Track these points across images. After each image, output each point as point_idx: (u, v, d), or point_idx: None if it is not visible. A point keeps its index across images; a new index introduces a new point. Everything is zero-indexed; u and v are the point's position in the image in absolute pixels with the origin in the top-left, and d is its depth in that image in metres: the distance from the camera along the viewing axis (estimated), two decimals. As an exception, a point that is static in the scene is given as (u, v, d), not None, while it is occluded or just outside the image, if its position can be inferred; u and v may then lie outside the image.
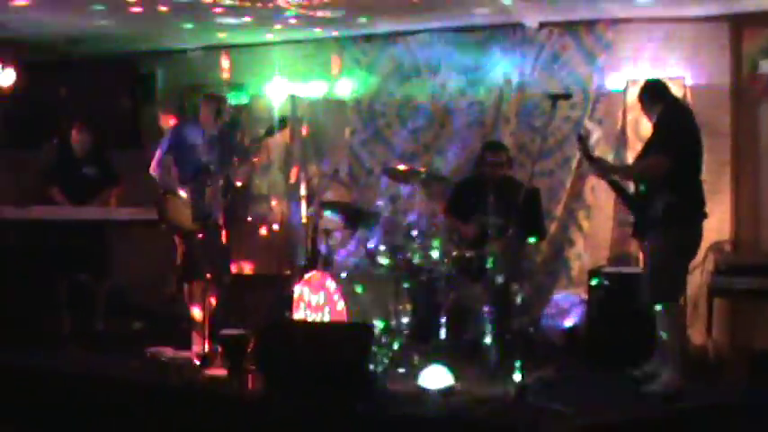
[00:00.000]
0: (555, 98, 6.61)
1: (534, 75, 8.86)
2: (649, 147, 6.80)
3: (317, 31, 9.26)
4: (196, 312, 7.50)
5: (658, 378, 6.61)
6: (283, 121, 7.85)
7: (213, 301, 7.47)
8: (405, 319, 7.32)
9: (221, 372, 6.85)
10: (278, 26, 8.99)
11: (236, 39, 9.56)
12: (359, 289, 7.39)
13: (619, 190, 6.99)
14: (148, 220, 8.15)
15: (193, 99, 9.18)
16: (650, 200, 6.67)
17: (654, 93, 6.89)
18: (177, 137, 7.90)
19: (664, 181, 6.53)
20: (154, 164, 7.88)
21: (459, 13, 8.52)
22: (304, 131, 9.41)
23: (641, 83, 7.81)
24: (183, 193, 7.70)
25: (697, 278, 7.37)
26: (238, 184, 7.90)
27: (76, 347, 7.89)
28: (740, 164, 8.30)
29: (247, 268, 9.11)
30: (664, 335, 6.63)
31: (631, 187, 7.07)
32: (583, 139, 7.07)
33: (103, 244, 8.76)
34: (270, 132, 7.82)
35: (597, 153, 8.39)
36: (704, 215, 6.70)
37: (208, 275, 7.41)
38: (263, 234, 9.15)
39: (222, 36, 9.45)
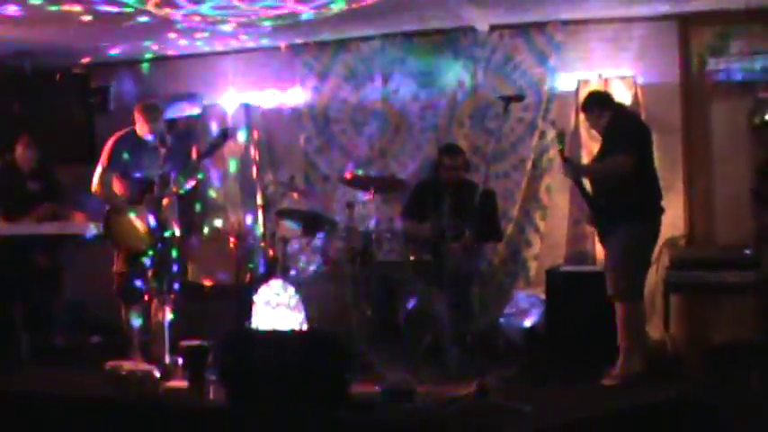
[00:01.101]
0: (508, 100, 6.66)
1: (487, 77, 8.91)
2: (605, 151, 6.91)
3: (270, 40, 9.24)
4: (135, 327, 7.48)
5: (618, 371, 6.70)
6: (224, 135, 7.73)
7: (161, 315, 7.37)
8: (365, 324, 7.33)
9: (182, 384, 6.82)
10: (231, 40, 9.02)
11: (189, 49, 9.51)
12: (318, 295, 7.39)
13: (582, 189, 7.06)
14: (100, 234, 8.08)
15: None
16: (610, 197, 6.77)
17: (600, 102, 7.08)
18: (118, 151, 7.61)
19: (622, 178, 6.64)
20: (95, 181, 7.61)
21: (410, 18, 8.54)
22: (258, 140, 9.39)
23: (593, 84, 7.94)
24: (130, 215, 7.53)
25: (653, 274, 7.43)
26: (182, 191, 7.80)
27: (35, 364, 7.81)
28: (692, 160, 8.40)
29: (206, 279, 9.07)
30: (624, 327, 6.72)
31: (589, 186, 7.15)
32: (561, 138, 7.13)
33: (57, 259, 8.67)
34: (212, 148, 7.70)
35: (552, 153, 8.53)
36: (662, 209, 6.85)
37: (159, 290, 7.36)
38: (221, 244, 9.11)
39: (176, 46, 9.40)
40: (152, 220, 7.36)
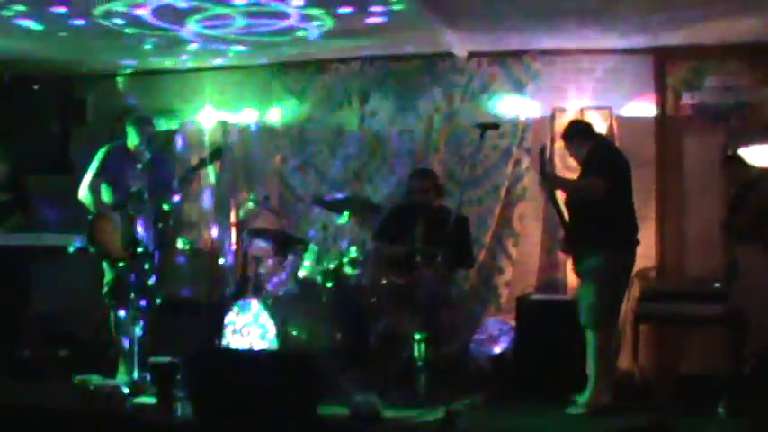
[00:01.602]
0: (484, 128, 6.70)
1: (464, 104, 8.96)
2: (584, 177, 6.96)
3: (248, 58, 9.26)
4: (123, 340, 7.43)
5: (586, 400, 6.73)
6: (218, 152, 7.79)
7: (139, 329, 7.36)
8: (335, 346, 7.33)
9: (150, 400, 6.78)
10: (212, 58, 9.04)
11: (166, 65, 9.51)
12: (289, 315, 7.38)
13: (558, 209, 7.10)
14: (76, 245, 8.03)
15: (123, 124, 9.10)
16: (587, 225, 6.81)
17: (582, 132, 7.13)
18: (106, 160, 7.68)
19: (599, 208, 6.69)
20: (83, 187, 7.68)
21: (389, 41, 8.58)
22: (234, 159, 9.40)
23: (569, 114, 8.00)
24: (115, 221, 7.53)
25: (624, 304, 7.47)
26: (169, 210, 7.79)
27: (2, 376, 7.74)
28: (665, 192, 8.47)
29: (177, 295, 9.02)
30: (594, 356, 6.74)
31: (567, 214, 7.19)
32: (543, 153, 7.18)
33: (27, 271, 8.62)
34: (203, 164, 7.74)
35: (526, 181, 8.57)
36: (637, 242, 6.90)
37: (135, 303, 7.33)
38: (193, 261, 9.07)
39: (153, 62, 9.39)
40: (140, 229, 7.37)
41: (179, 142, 9.50)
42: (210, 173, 9.13)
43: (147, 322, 7.43)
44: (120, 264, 7.47)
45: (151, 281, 7.47)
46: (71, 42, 8.46)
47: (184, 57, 9.13)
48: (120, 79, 9.98)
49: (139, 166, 7.44)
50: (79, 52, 8.95)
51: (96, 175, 7.65)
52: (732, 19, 7.48)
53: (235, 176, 9.41)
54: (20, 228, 8.39)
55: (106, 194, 7.64)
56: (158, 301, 7.64)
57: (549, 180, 7.15)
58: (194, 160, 7.97)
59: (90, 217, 7.61)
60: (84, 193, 7.67)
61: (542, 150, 7.22)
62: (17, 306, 8.53)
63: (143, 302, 7.39)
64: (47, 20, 7.73)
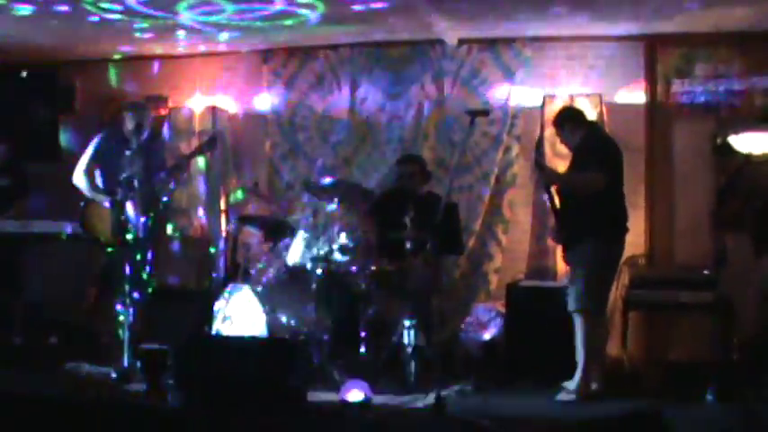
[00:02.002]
0: (473, 114, 6.69)
1: (454, 90, 8.96)
2: (577, 167, 6.95)
3: (238, 44, 9.23)
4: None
5: (575, 387, 6.75)
6: (213, 142, 7.78)
7: (131, 315, 7.35)
8: (324, 333, 7.33)
9: (140, 387, 6.78)
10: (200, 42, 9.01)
11: (156, 50, 9.47)
12: (278, 302, 7.38)
13: (551, 201, 7.10)
14: (64, 233, 8.02)
15: (112, 110, 9.09)
16: (578, 213, 6.82)
17: (573, 118, 7.10)
18: (102, 145, 7.72)
19: (591, 196, 6.69)
20: (78, 171, 7.70)
21: (380, 28, 8.56)
22: (224, 144, 9.39)
23: (559, 101, 7.99)
24: (107, 204, 7.49)
25: (612, 292, 7.49)
26: (164, 199, 7.79)
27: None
28: (655, 179, 8.50)
29: (167, 282, 9.01)
30: (583, 343, 6.76)
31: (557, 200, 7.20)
32: (539, 147, 7.18)
33: (18, 257, 8.60)
34: (196, 153, 7.74)
35: (516, 167, 8.58)
36: (626, 229, 6.91)
37: (126, 289, 7.31)
38: (183, 247, 9.06)
39: (143, 47, 9.36)
40: (131, 215, 7.35)
41: (167, 128, 9.44)
42: (201, 159, 9.11)
43: (138, 309, 7.42)
44: (110, 249, 7.45)
45: (144, 270, 7.46)
46: (59, 28, 8.41)
47: (175, 43, 9.09)
48: (110, 67, 9.94)
49: (129, 152, 7.39)
50: (67, 38, 8.91)
51: (91, 160, 7.68)
52: (724, 7, 7.49)
53: (224, 163, 9.39)
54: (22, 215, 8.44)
55: (99, 180, 7.66)
56: (150, 290, 7.63)
57: (546, 176, 7.13)
58: (186, 148, 7.94)
59: (82, 203, 7.62)
60: (78, 178, 7.70)
61: (538, 144, 7.23)
62: (7, 293, 8.51)
63: (134, 291, 7.36)
64: (36, 5, 7.70)
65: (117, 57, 9.79)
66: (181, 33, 8.70)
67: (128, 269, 7.27)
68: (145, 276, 7.59)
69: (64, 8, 7.75)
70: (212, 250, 8.94)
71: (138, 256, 7.42)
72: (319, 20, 8.14)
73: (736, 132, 7.82)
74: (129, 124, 7.62)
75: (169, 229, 9.02)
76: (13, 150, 8.76)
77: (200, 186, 9.38)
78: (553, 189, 7.09)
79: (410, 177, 8.15)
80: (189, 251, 8.90)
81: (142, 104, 7.97)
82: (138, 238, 7.41)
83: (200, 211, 9.36)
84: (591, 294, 6.81)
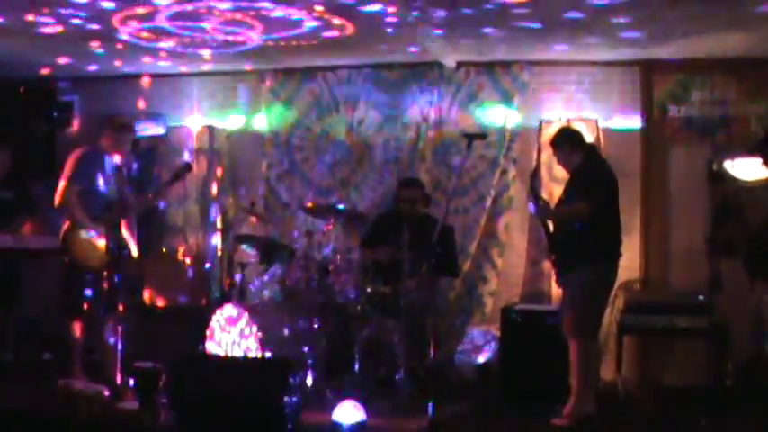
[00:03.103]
0: (470, 138, 6.70)
1: (451, 113, 8.98)
2: (572, 191, 6.96)
3: (237, 64, 9.26)
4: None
5: (569, 411, 6.74)
6: (187, 167, 7.74)
7: (114, 334, 7.31)
8: (319, 354, 7.33)
9: (132, 405, 6.76)
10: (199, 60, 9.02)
11: (155, 68, 9.49)
12: (273, 322, 7.37)
13: (546, 229, 7.12)
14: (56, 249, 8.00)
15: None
16: (571, 239, 6.82)
17: (573, 142, 7.09)
18: (80, 167, 7.34)
19: (584, 222, 6.71)
20: (57, 196, 7.33)
21: (379, 50, 8.59)
22: (221, 164, 9.41)
23: (555, 125, 8.01)
24: (90, 232, 7.26)
25: (607, 316, 7.50)
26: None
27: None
28: (650, 205, 8.51)
29: (161, 300, 9.01)
30: (577, 367, 6.76)
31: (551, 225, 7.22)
32: (535, 178, 7.21)
33: (15, 272, 8.59)
34: (175, 178, 7.67)
35: (512, 191, 8.59)
36: (620, 254, 6.91)
37: (119, 308, 7.29)
38: (178, 266, 9.06)
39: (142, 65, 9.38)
40: (113, 240, 7.25)
41: (166, 146, 9.45)
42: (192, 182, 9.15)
43: (128, 327, 7.37)
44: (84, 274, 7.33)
45: (133, 287, 7.43)
46: (58, 44, 8.43)
47: (175, 61, 9.12)
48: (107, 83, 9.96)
49: (121, 170, 7.35)
50: (66, 55, 8.94)
51: (71, 184, 7.31)
52: (720, 34, 7.51)
53: (221, 182, 9.40)
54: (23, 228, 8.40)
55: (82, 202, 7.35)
56: (135, 306, 7.57)
57: (541, 211, 7.13)
58: (166, 176, 7.88)
59: (66, 226, 7.35)
60: (59, 201, 7.33)
61: (533, 175, 7.24)
62: (2, 308, 8.51)
63: (127, 310, 7.34)
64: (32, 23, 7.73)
65: (116, 73, 9.80)
66: (182, 52, 8.70)
67: (118, 286, 7.23)
68: (136, 294, 7.55)
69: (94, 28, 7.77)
70: (207, 269, 8.93)
71: (130, 275, 7.37)
72: (320, 42, 8.16)
73: (731, 158, 7.84)
74: (115, 144, 7.51)
75: (164, 247, 9.01)
76: (16, 164, 8.70)
77: (196, 205, 9.38)
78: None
79: (411, 202, 8.17)
80: (184, 270, 8.88)
81: (127, 123, 7.74)
82: (130, 257, 7.39)
83: (196, 230, 9.34)
84: (584, 318, 6.82)
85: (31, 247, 8.45)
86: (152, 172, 7.85)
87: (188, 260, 8.99)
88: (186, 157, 9.15)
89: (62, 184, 7.34)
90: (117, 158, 7.48)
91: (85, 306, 7.23)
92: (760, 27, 7.28)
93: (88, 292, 7.21)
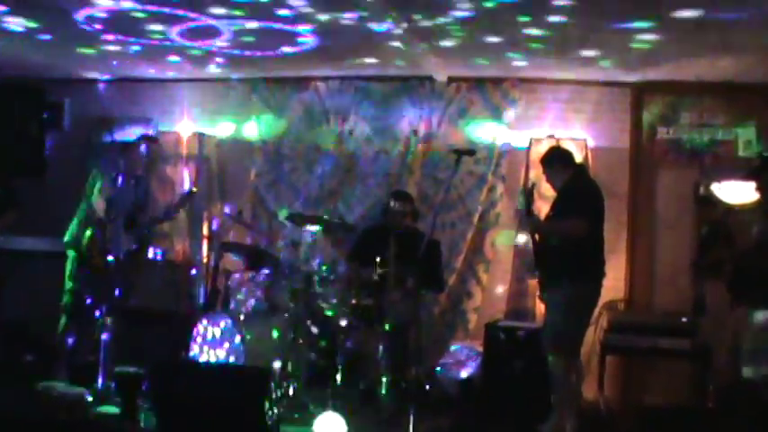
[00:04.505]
0: (459, 153, 6.72)
1: (441, 128, 9.00)
2: (560, 209, 6.98)
3: (228, 72, 9.26)
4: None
5: (550, 429, 6.74)
6: (190, 194, 7.92)
7: (105, 337, 7.31)
8: (301, 364, 7.32)
9: (113, 410, 6.74)
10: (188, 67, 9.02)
11: (146, 73, 9.49)
12: (257, 331, 7.36)
13: (535, 244, 7.13)
14: (45, 251, 7.97)
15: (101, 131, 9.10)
16: (556, 253, 6.84)
17: (562, 159, 7.12)
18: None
19: (570, 240, 6.72)
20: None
21: (370, 62, 8.60)
22: (210, 171, 9.40)
23: (545, 143, 8.03)
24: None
25: (590, 335, 7.52)
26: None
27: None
28: (637, 225, 8.54)
29: (146, 305, 8.97)
30: (558, 385, 6.77)
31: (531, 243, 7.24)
32: (531, 193, 7.23)
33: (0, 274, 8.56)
34: (183, 202, 7.75)
35: (500, 207, 8.61)
36: (603, 273, 6.93)
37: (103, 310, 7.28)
38: (164, 272, 9.03)
39: (134, 69, 9.37)
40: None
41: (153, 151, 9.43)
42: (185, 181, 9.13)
43: (113, 331, 7.37)
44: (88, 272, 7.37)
45: (118, 291, 7.42)
46: (50, 46, 8.42)
47: (166, 67, 9.11)
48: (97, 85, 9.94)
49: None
50: (58, 57, 8.92)
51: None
52: (710, 58, 7.56)
53: (209, 189, 9.39)
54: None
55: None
56: (120, 311, 7.56)
57: (532, 224, 7.15)
58: (172, 172, 7.91)
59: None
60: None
61: (531, 190, 7.26)
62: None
63: (110, 313, 7.33)
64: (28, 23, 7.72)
65: (107, 77, 9.79)
66: (173, 58, 8.70)
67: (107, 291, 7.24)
68: (122, 297, 7.53)
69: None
70: (193, 275, 8.91)
71: (117, 278, 7.36)
72: (311, 52, 8.17)
73: (719, 181, 7.87)
74: (139, 155, 7.59)
75: (150, 252, 8.97)
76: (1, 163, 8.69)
77: (184, 211, 9.34)
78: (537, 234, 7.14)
79: (401, 216, 8.16)
80: (169, 276, 8.85)
81: (155, 138, 7.93)
82: (118, 260, 7.38)
83: (183, 236, 9.32)
84: (566, 336, 6.83)
85: (15, 248, 8.40)
86: (146, 180, 7.85)
87: (174, 266, 8.95)
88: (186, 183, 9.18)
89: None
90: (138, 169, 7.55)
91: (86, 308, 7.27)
92: (749, 53, 7.33)
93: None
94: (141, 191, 7.67)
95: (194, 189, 8.08)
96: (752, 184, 6.71)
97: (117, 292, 7.39)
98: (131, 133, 9.09)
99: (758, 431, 6.35)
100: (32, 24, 7.73)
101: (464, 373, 8.11)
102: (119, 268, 7.37)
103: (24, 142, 9.64)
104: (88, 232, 7.45)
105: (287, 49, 8.16)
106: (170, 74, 9.47)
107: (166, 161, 9.36)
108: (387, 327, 7.40)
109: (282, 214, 8.06)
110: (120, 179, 7.44)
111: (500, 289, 8.80)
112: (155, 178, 8.33)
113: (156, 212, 8.05)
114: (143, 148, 7.76)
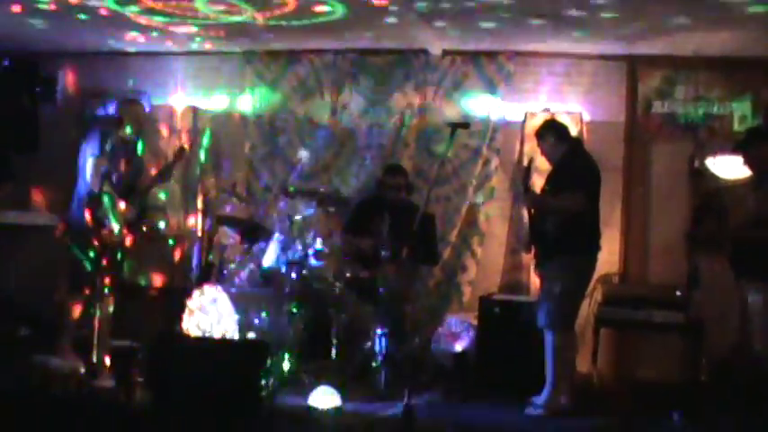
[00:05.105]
0: (454, 127, 6.71)
1: (436, 101, 8.97)
2: (556, 183, 6.98)
3: (222, 45, 9.22)
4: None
5: (544, 401, 6.77)
6: (182, 152, 7.81)
7: (102, 311, 7.31)
8: (296, 338, 7.33)
9: (108, 383, 6.76)
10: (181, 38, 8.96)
11: (140, 46, 9.44)
12: (251, 305, 7.36)
13: (531, 218, 7.14)
14: (39, 225, 7.96)
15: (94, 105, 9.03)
16: (552, 227, 6.85)
17: (559, 133, 7.12)
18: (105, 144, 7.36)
19: (566, 214, 6.73)
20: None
21: (365, 35, 8.57)
22: (204, 144, 9.37)
23: (540, 116, 8.02)
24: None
25: (585, 308, 7.53)
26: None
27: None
28: (631, 199, 8.54)
29: (140, 279, 8.98)
30: (553, 358, 6.79)
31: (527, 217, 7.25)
32: (528, 169, 7.23)
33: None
34: (170, 169, 7.71)
35: (494, 180, 8.61)
36: (598, 247, 6.94)
37: (101, 284, 7.27)
38: (158, 245, 9.03)
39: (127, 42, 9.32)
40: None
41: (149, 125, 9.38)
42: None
43: (110, 305, 7.37)
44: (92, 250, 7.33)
45: (117, 266, 7.41)
46: (44, 20, 8.38)
47: (160, 40, 9.06)
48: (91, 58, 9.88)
49: (111, 148, 7.33)
50: (52, 31, 8.87)
51: (99, 156, 7.30)
52: (706, 32, 7.54)
53: (203, 163, 9.36)
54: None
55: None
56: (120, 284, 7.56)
57: (530, 201, 7.15)
58: (165, 146, 7.86)
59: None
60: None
61: (528, 166, 7.26)
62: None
63: (106, 286, 7.32)
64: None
65: (100, 51, 9.73)
66: (167, 29, 8.65)
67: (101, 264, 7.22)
68: (119, 272, 7.52)
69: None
70: (187, 249, 8.91)
71: (116, 252, 7.35)
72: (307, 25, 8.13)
73: (713, 156, 7.87)
74: (130, 119, 7.52)
75: (145, 225, 8.96)
76: None
77: (178, 185, 9.33)
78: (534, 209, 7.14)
79: (395, 189, 8.17)
80: (164, 249, 8.86)
81: (135, 101, 7.80)
82: (111, 234, 7.35)
83: (178, 209, 9.30)
84: (561, 310, 6.85)
85: (9, 222, 8.38)
86: (135, 147, 7.78)
87: (168, 240, 8.95)
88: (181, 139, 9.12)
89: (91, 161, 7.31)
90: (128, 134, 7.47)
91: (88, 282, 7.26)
92: (745, 27, 7.31)
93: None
94: (132, 155, 7.56)
95: (185, 146, 8.00)
96: (742, 158, 6.72)
97: (117, 266, 7.38)
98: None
99: (754, 404, 6.39)
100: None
101: (459, 346, 8.12)
102: (120, 242, 7.33)
103: (17, 116, 9.61)
104: (86, 209, 7.37)
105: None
106: (164, 46, 9.40)
107: (159, 136, 9.30)
108: (381, 299, 7.41)
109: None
110: (108, 149, 7.35)
111: (494, 262, 8.80)
112: (147, 148, 8.22)
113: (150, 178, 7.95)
114: (127, 110, 7.64)
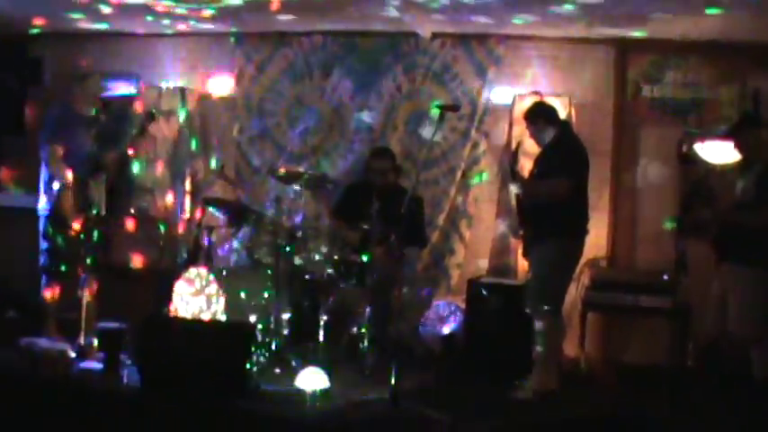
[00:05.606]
0: (443, 109, 6.70)
1: (425, 84, 8.96)
2: (544, 166, 6.98)
3: (210, 26, 9.17)
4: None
5: (531, 385, 6.79)
6: (151, 116, 7.74)
7: (89, 293, 7.31)
8: (284, 320, 7.33)
9: (96, 365, 6.75)
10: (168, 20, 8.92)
11: (129, 27, 9.39)
12: (239, 287, 7.36)
13: (518, 202, 7.15)
14: (25, 207, 7.92)
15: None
16: (540, 210, 6.86)
17: (548, 116, 7.12)
18: (55, 122, 7.43)
19: (564, 197, 6.74)
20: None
21: (354, 17, 8.54)
22: (192, 126, 9.34)
23: (529, 99, 8.01)
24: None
25: (572, 292, 7.55)
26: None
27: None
28: (619, 183, 8.55)
29: (128, 261, 8.96)
30: (540, 342, 6.81)
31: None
32: (516, 153, 7.23)
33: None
34: (142, 129, 7.67)
35: (483, 164, 8.61)
36: (586, 231, 6.96)
37: (86, 267, 7.26)
38: (146, 227, 9.01)
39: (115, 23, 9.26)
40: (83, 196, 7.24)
41: (137, 107, 9.35)
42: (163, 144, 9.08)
43: (96, 287, 7.37)
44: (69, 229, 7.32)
45: (100, 246, 7.39)
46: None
47: (148, 21, 9.01)
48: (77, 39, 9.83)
49: (96, 129, 7.31)
50: (38, 9, 8.81)
51: (48, 142, 7.38)
52: (696, 16, 7.53)
53: (191, 144, 9.34)
54: None
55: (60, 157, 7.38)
56: (102, 266, 7.54)
57: (519, 184, 7.14)
58: (155, 129, 7.87)
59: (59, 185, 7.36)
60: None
61: (515, 150, 7.27)
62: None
63: (93, 268, 7.31)
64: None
65: (88, 32, 9.67)
66: (157, 9, 8.59)
67: (89, 246, 7.21)
68: (102, 253, 7.50)
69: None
70: (175, 231, 8.89)
71: (98, 234, 7.32)
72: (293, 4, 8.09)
73: (701, 141, 7.88)
74: (81, 97, 7.49)
75: (132, 207, 8.94)
76: None
77: (166, 167, 9.31)
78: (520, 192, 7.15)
79: (382, 173, 8.17)
80: (151, 231, 8.83)
81: (94, 79, 7.79)
82: (99, 216, 7.34)
83: (165, 191, 9.27)
84: (548, 293, 6.87)
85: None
86: (124, 132, 7.75)
87: (156, 221, 8.93)
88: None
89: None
90: (84, 110, 7.42)
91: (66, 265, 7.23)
92: (734, 11, 7.31)
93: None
94: (96, 129, 7.52)
95: (154, 110, 7.95)
96: (731, 143, 6.73)
97: (97, 249, 7.36)
98: (113, 89, 9.02)
99: (736, 389, 6.42)
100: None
101: (446, 329, 8.14)
102: (98, 224, 7.31)
103: (4, 98, 9.56)
104: (61, 196, 7.33)
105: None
106: (152, 28, 9.35)
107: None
108: (369, 282, 7.41)
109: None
110: (60, 128, 7.34)
111: (482, 245, 8.80)
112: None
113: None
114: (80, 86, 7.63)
